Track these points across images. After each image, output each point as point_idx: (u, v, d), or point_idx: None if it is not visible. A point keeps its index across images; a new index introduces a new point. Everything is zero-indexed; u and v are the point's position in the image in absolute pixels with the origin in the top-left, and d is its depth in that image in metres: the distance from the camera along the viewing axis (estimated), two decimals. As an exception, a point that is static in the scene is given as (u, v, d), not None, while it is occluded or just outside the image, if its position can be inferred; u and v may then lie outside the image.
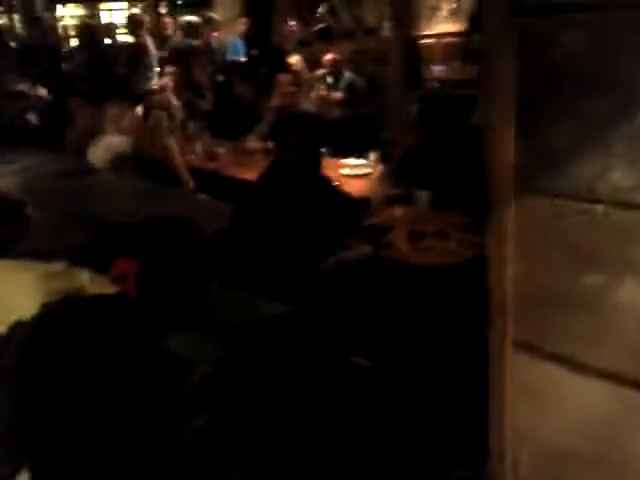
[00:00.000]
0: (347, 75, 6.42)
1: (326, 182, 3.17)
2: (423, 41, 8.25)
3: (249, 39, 8.17)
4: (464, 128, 3.87)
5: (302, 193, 2.96)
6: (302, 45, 7.81)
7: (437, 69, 8.34)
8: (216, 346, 1.92)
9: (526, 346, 1.12)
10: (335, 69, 6.54)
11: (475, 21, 7.26)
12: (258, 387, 1.98)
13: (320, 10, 8.49)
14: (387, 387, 2.71)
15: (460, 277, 2.83)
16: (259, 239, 2.84)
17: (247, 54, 8.02)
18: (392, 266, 2.94)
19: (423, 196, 3.26)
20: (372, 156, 4.25)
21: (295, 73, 6.33)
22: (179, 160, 4.39)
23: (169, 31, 8.53)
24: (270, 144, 4.76)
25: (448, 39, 9.06)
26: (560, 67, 0.98)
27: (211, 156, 4.91)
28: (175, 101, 4.83)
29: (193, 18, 7.83)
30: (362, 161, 4.35)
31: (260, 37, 8.35)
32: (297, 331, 2.40)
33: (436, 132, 3.57)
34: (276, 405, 2.00)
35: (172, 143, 4.40)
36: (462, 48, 8.31)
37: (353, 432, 2.22)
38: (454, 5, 9.62)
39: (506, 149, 1.06)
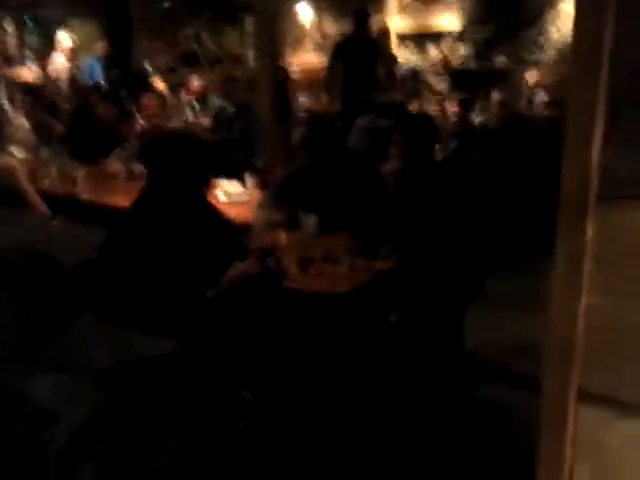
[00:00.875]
0: (216, 101, 6.21)
1: (209, 208, 2.89)
2: (291, 71, 8.30)
3: (107, 61, 7.76)
4: (346, 152, 3.79)
5: (182, 220, 2.66)
6: (167, 69, 7.51)
7: (303, 99, 8.39)
8: (90, 390, 1.59)
9: (597, 398, 0.88)
10: (202, 95, 6.31)
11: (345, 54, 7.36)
12: (142, 434, 1.68)
13: (184, 34, 8.26)
14: (275, 424, 2.51)
15: (353, 303, 2.68)
16: (135, 269, 2.50)
17: (105, 76, 7.59)
18: (281, 293, 2.73)
19: (310, 220, 3.09)
20: (248, 182, 4.04)
21: (160, 97, 6.06)
22: (26, 183, 3.99)
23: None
24: (135, 167, 4.44)
25: (313, 70, 9.21)
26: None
27: (68, 179, 4.47)
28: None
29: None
30: (238, 187, 4.12)
31: (119, 59, 7.95)
32: (182, 369, 2.12)
33: (321, 156, 3.43)
34: (163, 453, 1.71)
35: (14, 164, 4.04)
36: (329, 80, 8.43)
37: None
38: (320, 39, 9.81)
39: (589, 148, 0.85)
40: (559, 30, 7.70)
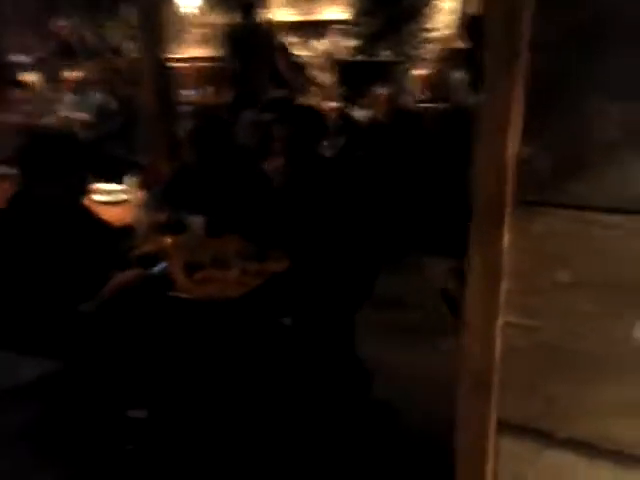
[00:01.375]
0: (96, 96, 5.87)
1: (85, 211, 2.67)
2: (175, 64, 8.01)
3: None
4: (234, 150, 3.66)
5: (55, 225, 2.43)
6: (40, 63, 7.02)
7: (189, 93, 8.14)
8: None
9: (518, 429, 0.79)
10: (81, 88, 5.95)
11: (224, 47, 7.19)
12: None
13: (59, 24, 7.74)
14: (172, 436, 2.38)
15: (246, 309, 2.57)
16: (2, 282, 2.27)
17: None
18: (168, 302, 2.57)
19: (197, 222, 2.94)
20: (128, 181, 3.82)
21: (31, 90, 5.66)
22: None
23: None
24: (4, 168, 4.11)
25: (199, 63, 8.95)
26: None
27: None
28: None
29: None
30: (117, 187, 3.88)
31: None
32: (64, 391, 1.95)
33: (207, 152, 3.28)
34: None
35: None
36: (215, 73, 8.22)
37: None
38: (204, 30, 9.54)
39: (505, 142, 0.74)
40: (439, 25, 7.87)
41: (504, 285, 0.75)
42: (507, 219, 0.73)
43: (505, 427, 0.80)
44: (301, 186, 3.06)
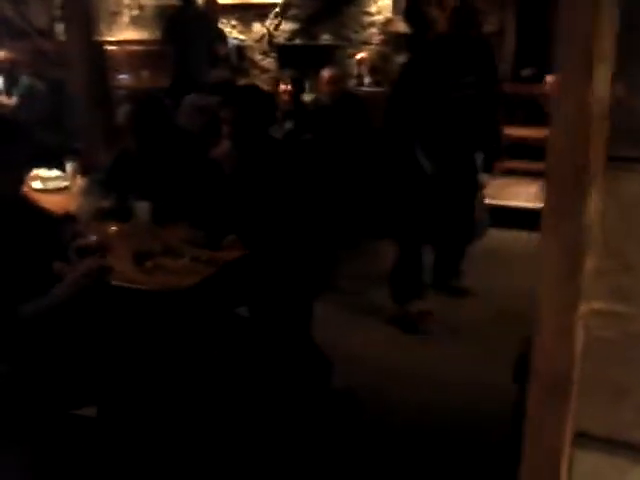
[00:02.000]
0: (24, 79, 5.56)
1: (23, 201, 2.47)
2: (107, 47, 7.70)
3: None
4: (177, 134, 3.50)
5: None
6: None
7: (124, 76, 7.85)
8: None
9: (599, 441, 0.63)
10: (7, 71, 5.63)
11: (163, 29, 6.94)
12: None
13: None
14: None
15: (198, 299, 2.45)
16: None
17: None
18: (117, 294, 2.43)
19: (143, 209, 2.79)
20: (68, 167, 3.62)
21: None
22: None
23: None
24: None
25: (132, 47, 8.63)
26: None
27: None
28: None
29: None
30: (56, 173, 3.68)
31: None
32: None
33: (148, 137, 3.11)
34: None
35: None
36: (149, 56, 7.94)
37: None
38: (136, 12, 9.21)
39: (596, 83, 0.56)
40: (380, 8, 7.82)
41: (589, 264, 0.61)
42: (594, 182, 0.59)
43: (584, 439, 0.67)
44: (251, 170, 2.95)
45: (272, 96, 3.33)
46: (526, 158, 6.19)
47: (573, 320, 0.63)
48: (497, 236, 5.08)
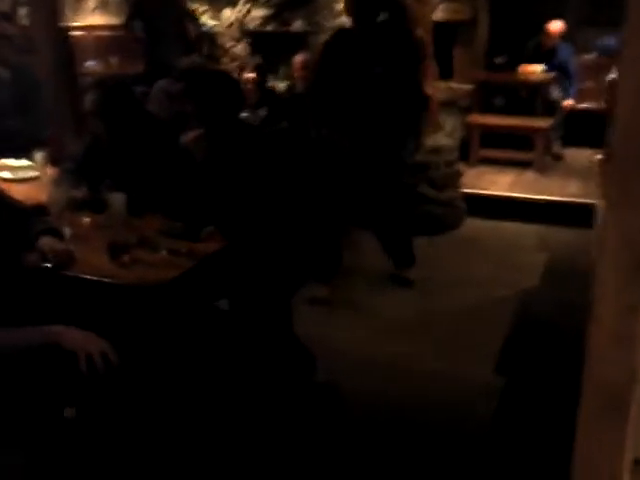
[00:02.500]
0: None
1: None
2: (72, 33, 7.49)
3: None
4: (148, 122, 3.39)
5: None
6: None
7: (91, 63, 7.65)
8: None
9: None
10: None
11: (131, 14, 6.78)
12: None
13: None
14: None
15: (177, 293, 2.36)
16: None
17: None
18: (89, 288, 2.33)
19: (117, 200, 2.68)
20: (37, 156, 3.49)
21: None
22: None
23: None
24: None
25: (100, 32, 8.40)
26: None
27: None
28: None
29: None
30: (24, 162, 3.55)
31: None
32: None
33: (119, 124, 3.00)
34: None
35: None
36: (118, 42, 7.75)
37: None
38: (103, -3, 8.97)
39: None
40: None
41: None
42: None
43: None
44: (225, 158, 2.86)
45: (238, 83, 3.23)
46: (501, 146, 6.19)
47: (635, 323, 0.53)
48: (474, 225, 5.07)
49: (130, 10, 6.74)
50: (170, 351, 2.41)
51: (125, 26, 6.92)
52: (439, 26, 5.39)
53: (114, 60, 7.52)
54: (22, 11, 8.23)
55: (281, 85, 5.80)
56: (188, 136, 3.22)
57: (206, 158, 2.99)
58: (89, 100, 3.08)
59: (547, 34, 6.51)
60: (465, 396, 2.93)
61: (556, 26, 6.47)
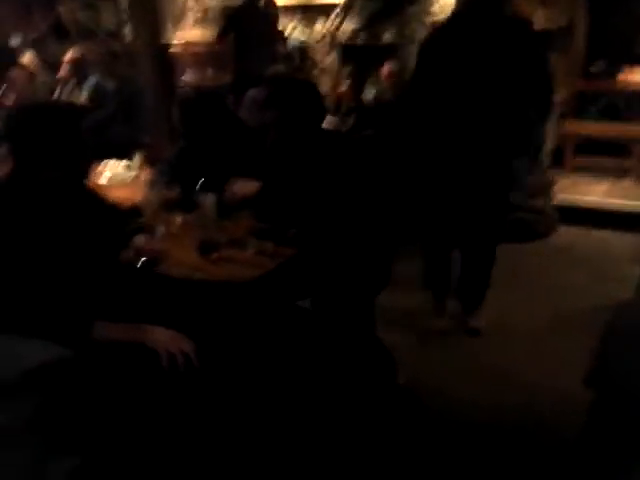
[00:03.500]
0: (93, 77, 5.69)
1: (91, 195, 2.48)
2: (173, 47, 7.84)
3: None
4: (240, 126, 3.51)
5: (56, 211, 2.21)
6: (35, 43, 6.83)
7: (188, 76, 7.98)
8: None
9: None
10: (78, 70, 5.78)
11: (226, 29, 7.01)
12: None
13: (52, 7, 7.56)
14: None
15: (263, 290, 2.43)
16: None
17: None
18: (179, 285, 2.43)
19: (208, 200, 2.79)
20: (136, 159, 3.68)
21: (28, 72, 5.49)
22: None
23: None
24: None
25: (196, 47, 8.75)
26: None
27: None
28: None
29: None
30: (123, 165, 3.75)
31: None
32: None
33: (211, 130, 3.13)
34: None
35: None
36: (213, 55, 8.05)
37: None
38: (200, 13, 9.33)
39: None
40: (441, 7, 7.71)
41: None
42: None
43: None
44: (312, 166, 2.91)
45: (319, 91, 3.23)
46: (597, 154, 5.99)
47: None
48: (567, 234, 4.93)
49: (224, 25, 6.97)
50: (253, 348, 2.48)
51: (219, 40, 7.16)
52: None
53: (209, 72, 7.81)
54: (126, 29, 8.70)
55: (369, 94, 5.84)
56: (277, 143, 3.29)
57: (294, 165, 3.05)
58: (185, 107, 3.23)
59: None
60: (554, 408, 2.85)
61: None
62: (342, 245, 2.73)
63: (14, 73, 4.90)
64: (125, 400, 2.01)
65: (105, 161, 3.69)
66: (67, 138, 2.19)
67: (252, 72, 6.03)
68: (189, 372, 2.08)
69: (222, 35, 7.01)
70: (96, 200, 2.49)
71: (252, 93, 4.86)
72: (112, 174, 3.61)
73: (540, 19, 6.44)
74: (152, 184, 3.11)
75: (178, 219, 2.83)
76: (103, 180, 3.55)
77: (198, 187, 2.86)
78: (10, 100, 4.72)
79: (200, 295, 2.40)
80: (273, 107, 2.93)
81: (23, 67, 5.61)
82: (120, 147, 4.14)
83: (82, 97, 5.60)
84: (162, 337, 2.05)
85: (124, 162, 3.73)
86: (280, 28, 7.39)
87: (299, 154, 2.93)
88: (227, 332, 2.42)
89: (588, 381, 2.87)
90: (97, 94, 5.62)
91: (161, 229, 2.69)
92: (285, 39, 7.46)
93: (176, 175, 3.10)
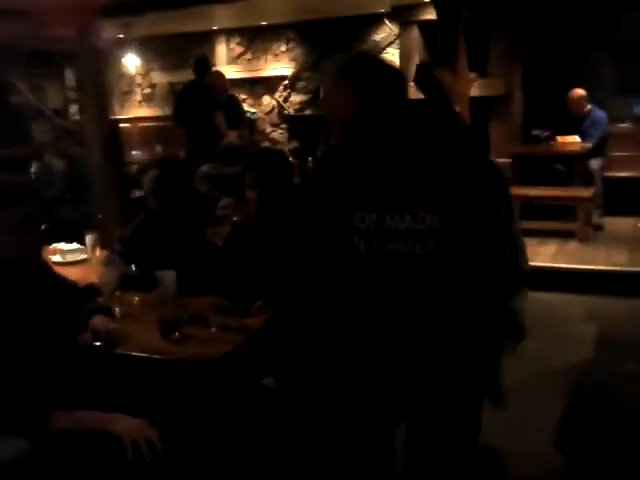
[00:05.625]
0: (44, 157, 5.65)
1: (47, 270, 2.43)
2: (121, 124, 7.89)
3: None
4: (196, 200, 3.51)
5: (18, 288, 2.15)
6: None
7: (136, 152, 8.00)
8: None
9: None
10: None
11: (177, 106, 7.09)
12: None
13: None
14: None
15: (225, 369, 2.36)
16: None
17: None
18: (140, 365, 2.35)
19: (168, 277, 2.73)
20: (87, 239, 3.61)
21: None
22: None
23: None
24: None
25: (145, 123, 8.82)
26: None
27: None
28: None
29: None
30: (74, 246, 3.67)
31: None
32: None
33: (175, 202, 3.12)
34: None
35: None
36: (161, 132, 8.11)
37: None
38: (148, 90, 9.44)
39: None
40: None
41: None
42: None
43: None
44: (276, 233, 2.90)
45: (284, 155, 3.28)
46: (540, 218, 6.17)
47: None
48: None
49: (173, 107, 7.04)
50: (218, 428, 2.40)
51: (168, 117, 7.24)
52: (474, 100, 5.49)
53: (158, 148, 7.86)
54: (73, 108, 8.72)
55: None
56: (239, 213, 3.26)
57: (258, 234, 3.04)
58: (147, 179, 3.21)
59: (570, 101, 6.66)
60: (523, 472, 2.82)
61: (576, 93, 6.62)
62: (304, 315, 2.70)
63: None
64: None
65: (55, 244, 3.61)
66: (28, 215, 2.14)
67: (203, 147, 6.08)
68: (154, 459, 1.98)
69: (172, 112, 7.09)
70: (53, 278, 2.42)
71: (205, 169, 4.89)
72: (63, 255, 3.53)
73: (480, 88, 6.74)
74: (108, 263, 3.05)
75: (136, 298, 2.76)
76: (55, 259, 3.46)
77: (155, 265, 2.81)
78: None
79: (162, 375, 2.33)
80: (249, 179, 2.92)
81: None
82: (69, 228, 4.07)
83: (31, 176, 5.53)
84: (125, 426, 1.96)
85: (74, 244, 3.65)
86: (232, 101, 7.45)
87: (273, 216, 2.90)
88: (191, 413, 2.34)
89: (558, 444, 2.85)
90: (44, 174, 5.56)
91: (119, 309, 2.62)
92: (240, 104, 7.54)
93: (133, 253, 3.04)
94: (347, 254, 1.78)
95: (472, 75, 5.96)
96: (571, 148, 6.67)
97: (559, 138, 6.78)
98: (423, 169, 1.66)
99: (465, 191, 1.63)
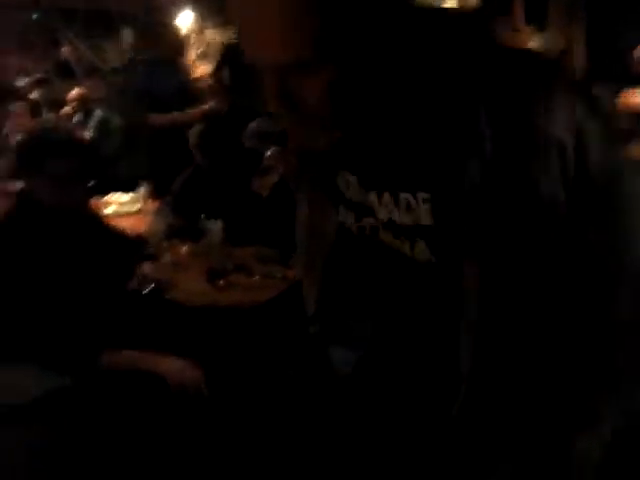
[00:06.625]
0: (98, 112, 5.75)
1: (97, 220, 2.51)
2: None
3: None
4: (243, 154, 3.52)
5: (67, 235, 2.24)
6: (39, 82, 6.91)
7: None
8: None
9: None
10: (83, 106, 5.86)
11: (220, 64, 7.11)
12: None
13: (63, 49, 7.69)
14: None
15: (273, 315, 2.41)
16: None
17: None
18: (186, 312, 2.41)
19: (215, 228, 2.79)
20: (141, 190, 3.69)
21: (33, 107, 5.57)
22: None
23: None
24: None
25: (200, 77, 8.86)
26: None
27: None
28: None
29: None
30: (129, 196, 3.77)
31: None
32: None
33: (220, 155, 3.14)
34: None
35: None
36: (211, 89, 8.13)
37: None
38: (201, 49, 9.46)
39: None
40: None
41: None
42: None
43: None
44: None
45: None
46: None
47: None
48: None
49: (219, 60, 7.05)
50: (262, 375, 2.45)
51: (214, 75, 7.25)
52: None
53: (211, 103, 7.89)
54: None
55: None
56: (283, 167, 3.29)
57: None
58: (193, 133, 3.26)
59: (636, 60, 6.35)
60: None
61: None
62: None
63: (17, 107, 4.96)
64: (133, 429, 1.98)
65: (110, 194, 3.71)
66: (75, 167, 2.22)
67: (248, 104, 6.07)
68: (198, 401, 2.05)
69: (216, 70, 7.09)
70: (103, 228, 2.51)
71: (254, 124, 4.90)
72: (117, 205, 3.62)
73: (538, 42, 6.49)
74: (158, 213, 3.12)
75: (184, 247, 2.83)
76: (108, 211, 3.56)
77: (203, 215, 2.87)
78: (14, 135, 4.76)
79: (208, 321, 2.39)
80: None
81: (27, 102, 5.67)
82: (125, 180, 4.17)
83: (87, 132, 5.66)
84: (172, 367, 2.03)
85: (129, 194, 3.74)
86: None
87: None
88: (236, 358, 2.40)
89: None
90: (102, 129, 5.67)
91: (167, 257, 2.69)
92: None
93: (182, 204, 3.10)
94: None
95: (529, 28, 5.74)
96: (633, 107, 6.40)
97: (623, 95, 6.50)
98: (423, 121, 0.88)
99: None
